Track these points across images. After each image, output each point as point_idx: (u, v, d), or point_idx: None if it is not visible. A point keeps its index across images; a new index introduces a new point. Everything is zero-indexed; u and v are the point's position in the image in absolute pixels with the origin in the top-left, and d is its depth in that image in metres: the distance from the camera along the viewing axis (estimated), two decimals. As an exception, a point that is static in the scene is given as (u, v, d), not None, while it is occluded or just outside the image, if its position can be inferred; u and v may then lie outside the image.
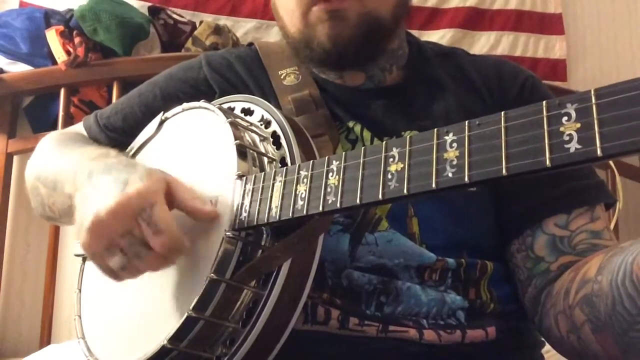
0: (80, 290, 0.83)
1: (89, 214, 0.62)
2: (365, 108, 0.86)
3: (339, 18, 0.79)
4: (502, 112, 0.45)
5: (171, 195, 0.65)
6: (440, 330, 0.75)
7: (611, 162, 2.04)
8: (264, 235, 0.65)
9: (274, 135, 0.71)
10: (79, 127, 0.99)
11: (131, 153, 0.85)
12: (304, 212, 0.58)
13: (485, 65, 0.92)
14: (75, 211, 0.67)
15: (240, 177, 0.66)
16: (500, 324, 0.78)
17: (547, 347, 0.83)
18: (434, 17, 2.50)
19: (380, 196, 0.51)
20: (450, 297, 0.77)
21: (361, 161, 0.54)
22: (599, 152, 0.39)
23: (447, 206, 0.79)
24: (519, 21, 2.57)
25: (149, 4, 2.10)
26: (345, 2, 0.79)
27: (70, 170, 0.75)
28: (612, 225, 0.94)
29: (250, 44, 0.98)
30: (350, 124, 0.84)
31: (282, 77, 0.88)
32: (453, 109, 0.85)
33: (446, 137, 0.48)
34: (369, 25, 0.80)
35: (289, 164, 0.66)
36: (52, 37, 1.86)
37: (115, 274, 0.65)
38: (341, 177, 0.55)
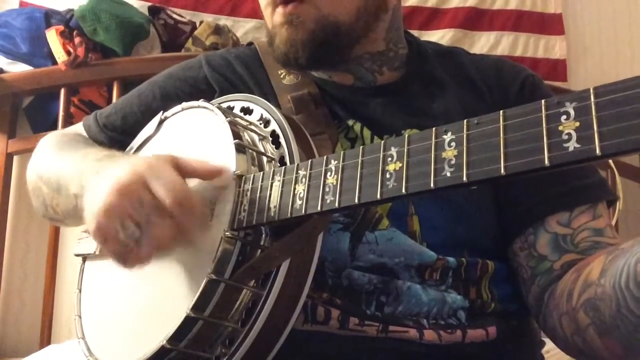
0: (80, 290, 0.83)
1: (100, 198, 0.62)
2: (364, 106, 0.86)
3: (295, 22, 0.81)
4: (501, 111, 0.45)
5: (180, 167, 0.65)
6: (440, 330, 0.75)
7: (611, 162, 2.04)
8: (263, 235, 0.65)
9: (273, 134, 0.71)
10: (78, 127, 0.99)
11: (131, 152, 0.86)
12: (303, 211, 0.58)
13: (485, 64, 0.92)
14: (83, 208, 0.67)
15: (239, 176, 0.66)
16: (501, 324, 0.78)
17: (547, 347, 0.83)
18: (434, 17, 2.50)
19: (378, 195, 0.51)
20: (451, 296, 0.77)
21: (359, 160, 0.54)
22: (597, 151, 0.38)
23: (448, 205, 0.79)
24: (519, 21, 2.57)
25: (149, 4, 2.10)
26: (300, 7, 0.80)
27: (75, 171, 0.75)
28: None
29: (250, 44, 0.98)
30: (350, 122, 0.84)
31: (281, 76, 0.88)
32: (453, 107, 0.85)
33: (444, 136, 0.48)
34: (325, 30, 0.81)
35: (288, 163, 0.66)
36: (52, 37, 1.86)
37: (126, 257, 0.63)
38: (340, 176, 0.55)
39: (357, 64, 0.87)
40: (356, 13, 0.83)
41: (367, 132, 0.83)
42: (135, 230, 0.61)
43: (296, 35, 0.81)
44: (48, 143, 0.92)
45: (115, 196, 0.61)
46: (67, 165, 0.79)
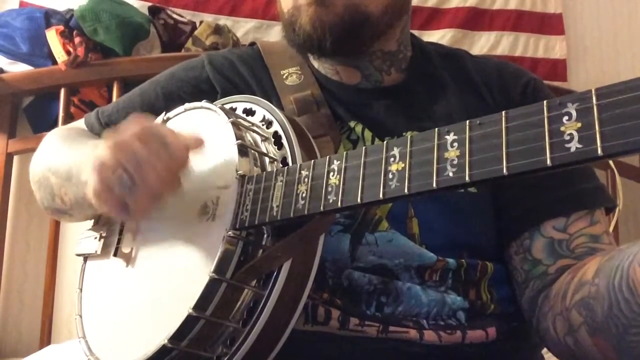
0: (81, 290, 0.83)
1: (96, 159, 0.63)
2: (367, 108, 0.86)
3: (325, 4, 0.79)
4: (503, 112, 0.45)
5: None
6: (440, 331, 0.75)
7: (611, 163, 2.04)
8: (265, 235, 0.65)
9: (276, 135, 0.71)
10: (80, 124, 0.99)
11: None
12: (305, 211, 0.58)
13: (488, 66, 0.92)
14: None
15: (241, 176, 0.66)
16: (501, 325, 0.78)
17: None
18: (434, 17, 2.50)
19: (381, 195, 0.51)
20: (451, 297, 0.77)
21: (362, 161, 0.54)
22: (599, 151, 0.39)
23: (448, 207, 0.79)
24: (519, 21, 2.57)
25: (149, 4, 2.10)
26: None
27: (87, 158, 0.75)
28: (611, 226, 0.94)
29: (253, 44, 0.98)
30: (352, 124, 0.84)
31: (284, 77, 0.88)
32: (455, 109, 0.85)
33: (447, 137, 0.48)
34: (353, 17, 0.80)
35: (290, 164, 0.66)
36: (52, 37, 1.86)
37: (125, 210, 0.64)
38: (342, 176, 0.55)
39: (367, 61, 0.87)
40: (384, 7, 0.82)
41: (368, 134, 0.83)
42: (127, 179, 0.62)
43: (325, 16, 0.80)
44: (55, 136, 0.92)
45: (109, 151, 0.62)
46: (78, 154, 0.79)
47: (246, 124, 0.72)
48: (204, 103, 0.76)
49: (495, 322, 0.78)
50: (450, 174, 0.46)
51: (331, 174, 0.56)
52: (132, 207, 0.63)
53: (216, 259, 0.62)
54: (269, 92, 0.87)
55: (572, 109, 0.41)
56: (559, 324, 0.71)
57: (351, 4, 0.80)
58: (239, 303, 0.64)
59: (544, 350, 0.85)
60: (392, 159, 0.51)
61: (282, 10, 0.86)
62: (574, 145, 0.40)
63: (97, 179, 0.63)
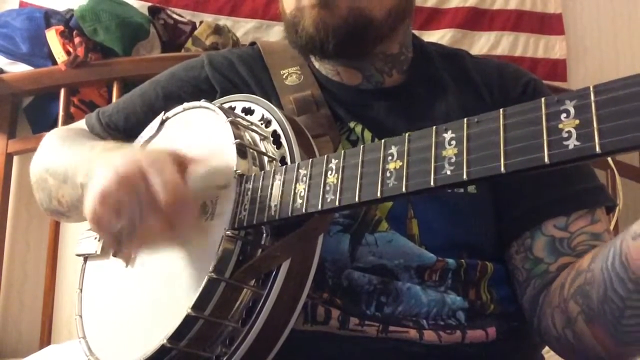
0: (81, 290, 0.83)
1: (98, 184, 0.62)
2: (367, 109, 0.86)
3: (329, 7, 0.79)
4: (501, 110, 0.45)
5: (180, 160, 0.64)
6: (440, 331, 0.75)
7: (611, 162, 2.04)
8: (264, 235, 0.65)
9: (275, 134, 0.71)
10: (81, 124, 1.00)
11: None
12: (303, 210, 0.58)
13: (488, 67, 0.92)
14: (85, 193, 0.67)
15: (240, 176, 0.66)
16: (501, 325, 0.78)
17: (548, 347, 0.83)
18: (434, 17, 2.50)
19: (379, 194, 0.51)
20: (451, 297, 0.77)
21: (360, 160, 0.54)
22: (597, 148, 0.39)
23: (448, 208, 0.79)
24: (519, 21, 2.57)
25: (149, 4, 2.10)
26: None
27: (83, 161, 0.75)
28: (612, 226, 0.94)
29: (253, 44, 0.98)
30: (352, 124, 0.84)
31: (284, 77, 0.88)
32: (454, 110, 0.85)
33: (445, 135, 0.48)
34: (357, 20, 0.80)
35: (289, 163, 0.66)
36: (52, 37, 1.86)
37: (119, 243, 0.64)
38: (340, 175, 0.55)
39: (369, 63, 0.87)
40: (388, 11, 0.82)
41: (368, 135, 0.83)
42: (127, 223, 0.61)
43: (329, 19, 0.80)
44: (54, 137, 0.92)
45: (113, 184, 0.61)
46: (74, 156, 0.79)
47: (245, 123, 0.72)
48: (202, 102, 0.76)
49: (495, 322, 0.78)
50: (448, 172, 0.46)
51: (329, 172, 0.56)
52: (122, 249, 0.65)
53: (215, 259, 0.62)
54: (269, 91, 0.87)
55: (570, 106, 0.41)
56: (558, 317, 0.72)
57: (355, 7, 0.80)
58: (237, 303, 0.64)
59: (544, 350, 0.85)
60: (389, 157, 0.51)
61: (284, 11, 0.86)
62: (572, 143, 0.40)
63: (97, 210, 0.62)
